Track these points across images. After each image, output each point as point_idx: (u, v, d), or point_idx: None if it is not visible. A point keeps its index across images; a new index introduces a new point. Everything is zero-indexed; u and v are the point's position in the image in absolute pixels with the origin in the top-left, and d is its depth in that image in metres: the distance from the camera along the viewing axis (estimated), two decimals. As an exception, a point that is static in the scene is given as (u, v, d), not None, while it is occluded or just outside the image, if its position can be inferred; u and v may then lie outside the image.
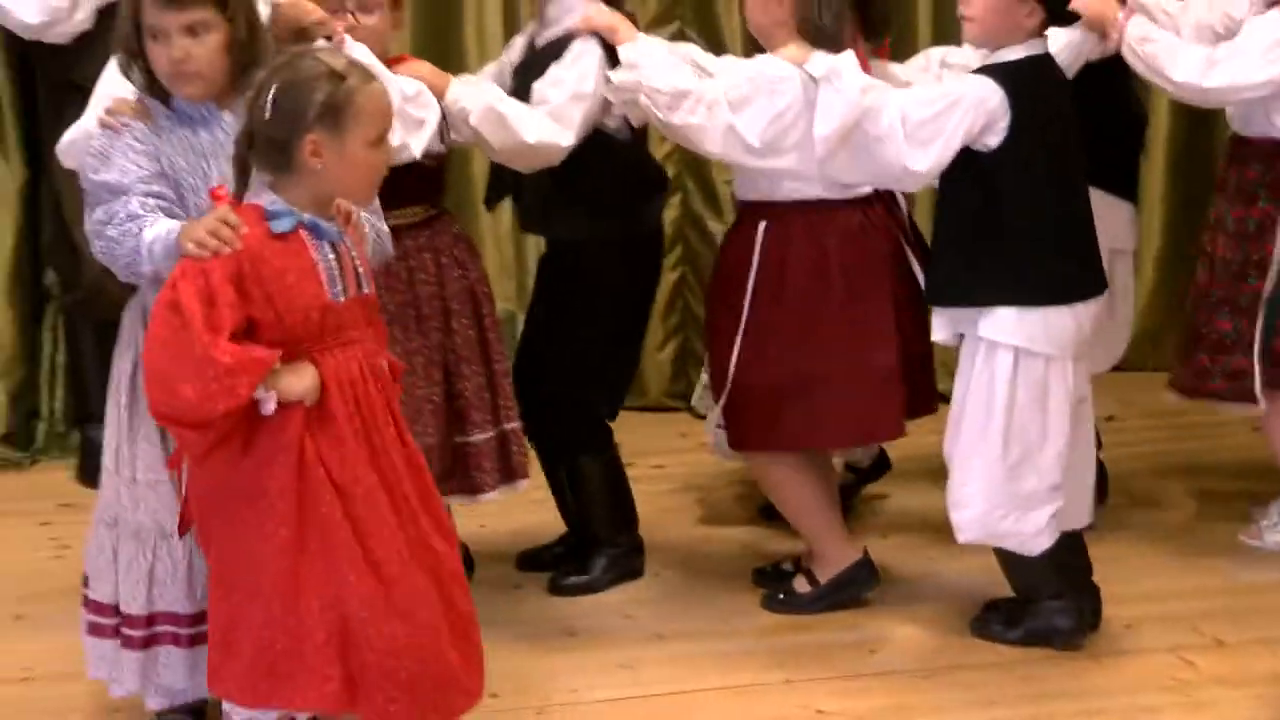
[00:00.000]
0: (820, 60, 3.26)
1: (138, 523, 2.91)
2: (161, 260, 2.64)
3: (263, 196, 2.62)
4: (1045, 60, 3.31)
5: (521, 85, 3.54)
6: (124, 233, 2.70)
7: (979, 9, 3.25)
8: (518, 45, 3.76)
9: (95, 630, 2.98)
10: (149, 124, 2.80)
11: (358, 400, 2.65)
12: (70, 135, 3.01)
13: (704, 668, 3.37)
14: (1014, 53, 3.27)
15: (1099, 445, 4.07)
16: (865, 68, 3.41)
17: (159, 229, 2.67)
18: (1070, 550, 3.41)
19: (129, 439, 2.92)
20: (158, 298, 2.56)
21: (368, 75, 2.65)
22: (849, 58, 3.27)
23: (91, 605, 2.98)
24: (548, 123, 3.40)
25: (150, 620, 2.90)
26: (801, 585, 3.64)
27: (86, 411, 4.47)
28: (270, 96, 2.58)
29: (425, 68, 3.47)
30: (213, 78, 2.78)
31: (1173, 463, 4.32)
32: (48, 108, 4.36)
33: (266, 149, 2.60)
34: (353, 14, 3.33)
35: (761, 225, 3.51)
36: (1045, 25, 3.28)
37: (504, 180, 3.72)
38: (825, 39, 3.33)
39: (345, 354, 2.65)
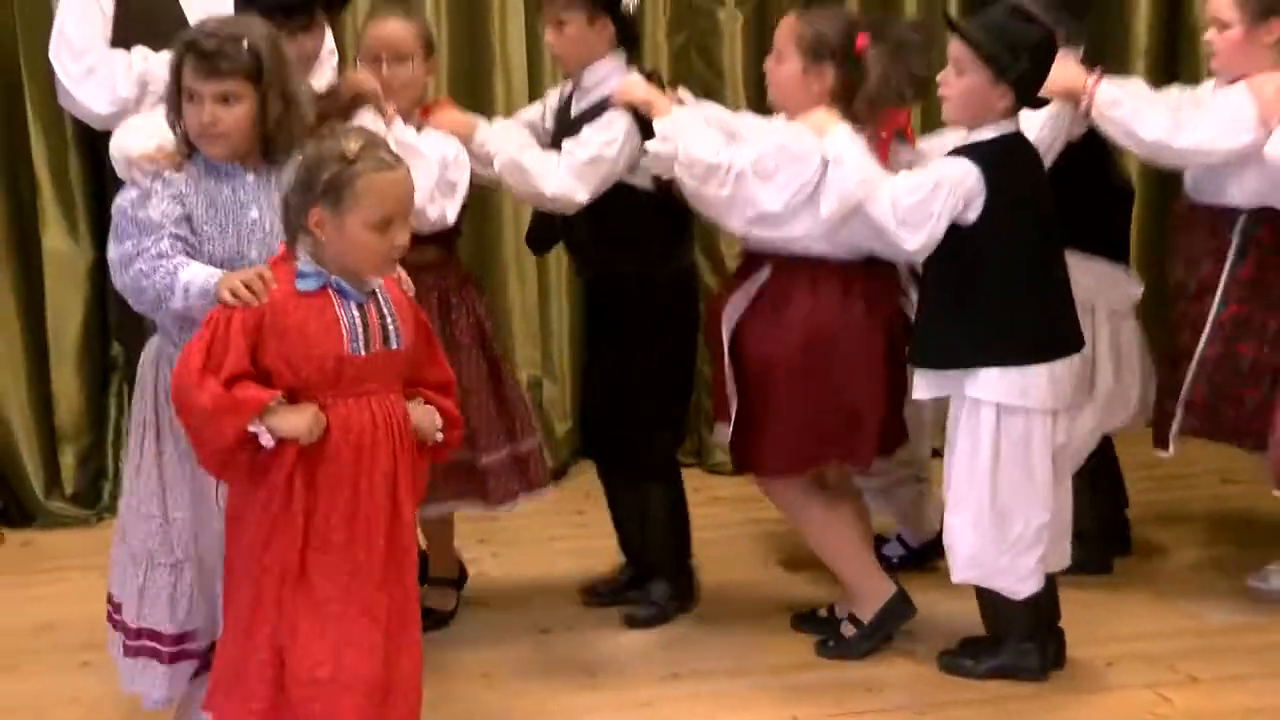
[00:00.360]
0: (839, 136, 3.29)
1: (135, 546, 2.97)
2: (195, 300, 2.69)
3: (300, 257, 2.67)
4: (1016, 138, 3.35)
5: (556, 141, 3.57)
6: (154, 268, 2.75)
7: (955, 91, 3.30)
8: (559, 92, 3.78)
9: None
10: (183, 173, 2.85)
11: (361, 447, 2.66)
12: (114, 150, 3.10)
13: (719, 705, 3.37)
14: (987, 133, 3.30)
15: (1126, 504, 4.12)
16: (884, 151, 3.44)
17: (196, 272, 2.72)
18: (1045, 593, 3.43)
19: (134, 460, 2.98)
20: (189, 341, 2.64)
21: (382, 163, 2.65)
22: (861, 145, 3.30)
23: (116, 622, 3.06)
24: (567, 178, 3.44)
25: (138, 633, 2.98)
26: (848, 629, 3.62)
27: None
28: (294, 167, 2.66)
29: (453, 114, 3.52)
30: (238, 142, 2.84)
31: (1150, 513, 4.31)
32: (113, 191, 4.35)
33: (288, 214, 2.67)
34: (387, 65, 3.41)
35: (766, 269, 3.50)
36: (1016, 108, 3.32)
37: (553, 228, 3.75)
38: (855, 113, 3.36)
39: (359, 403, 2.67)
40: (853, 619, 3.62)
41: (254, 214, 2.85)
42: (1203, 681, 3.45)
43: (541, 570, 4.08)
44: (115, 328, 4.47)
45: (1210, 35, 3.71)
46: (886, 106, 3.42)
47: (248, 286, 2.61)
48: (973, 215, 3.26)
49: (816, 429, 3.46)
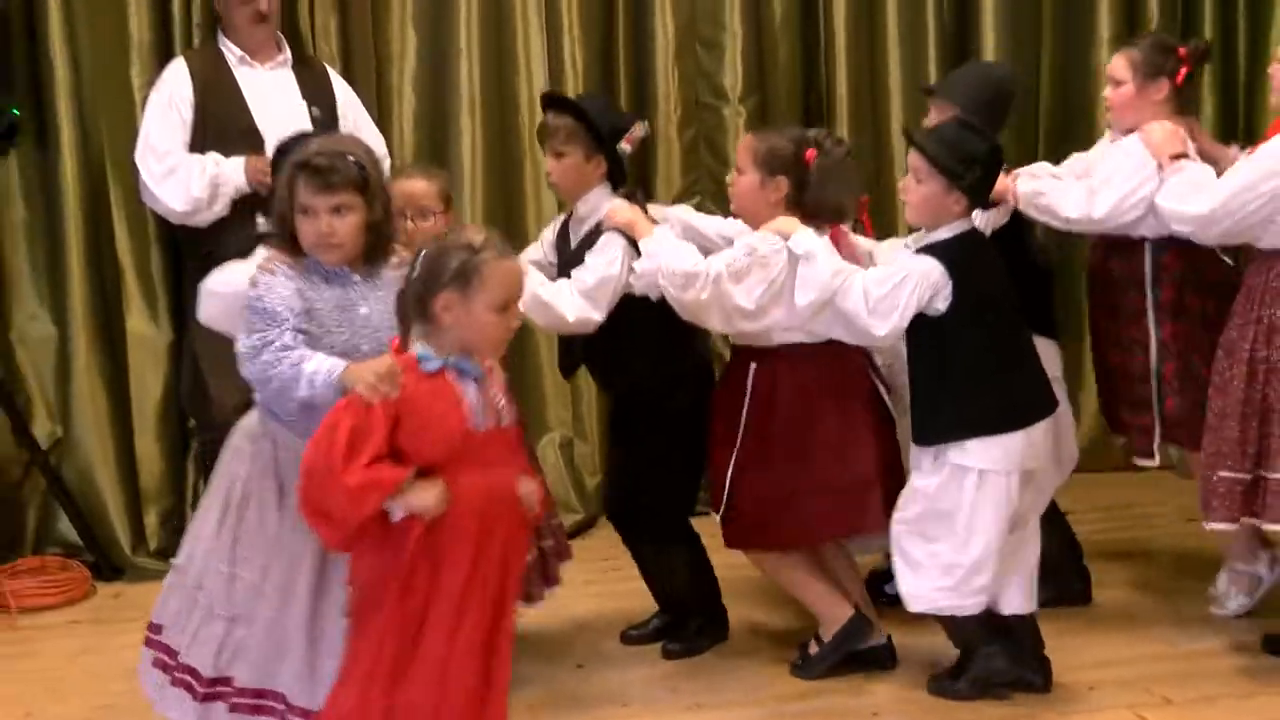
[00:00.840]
0: (803, 237, 3.34)
1: (199, 593, 2.95)
2: (320, 390, 2.72)
3: (415, 345, 2.69)
4: (972, 234, 3.42)
5: (563, 268, 3.63)
6: (279, 359, 2.76)
7: (916, 198, 3.37)
8: (555, 226, 3.85)
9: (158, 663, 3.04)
10: (300, 274, 2.86)
11: (482, 517, 2.67)
12: (218, 288, 3.08)
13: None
14: (946, 232, 3.37)
15: (1081, 554, 4.12)
16: (839, 239, 3.49)
17: (320, 363, 2.75)
18: (1024, 631, 3.48)
19: (226, 528, 2.94)
20: (324, 420, 2.63)
21: (503, 252, 2.69)
22: (825, 243, 3.36)
23: (156, 645, 3.05)
24: (582, 302, 3.48)
25: (179, 665, 2.97)
26: (814, 648, 3.65)
27: None
28: (420, 260, 2.68)
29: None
30: (350, 248, 2.87)
31: (1120, 549, 4.32)
32: (189, 279, 4.31)
33: (412, 304, 2.68)
34: (411, 220, 3.46)
35: (752, 366, 3.54)
36: (970, 208, 3.38)
37: (574, 352, 3.81)
38: (809, 215, 3.43)
39: (480, 476, 2.68)
40: (818, 639, 3.65)
41: (364, 310, 2.87)
42: (1176, 702, 3.45)
43: (577, 611, 4.09)
44: (187, 399, 4.50)
45: (1108, 92, 3.84)
46: (831, 212, 3.48)
47: (383, 382, 2.61)
48: (942, 305, 3.32)
49: (818, 506, 3.48)
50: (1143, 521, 4.54)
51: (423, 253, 2.69)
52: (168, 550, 4.54)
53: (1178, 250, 3.74)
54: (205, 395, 4.27)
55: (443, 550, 2.65)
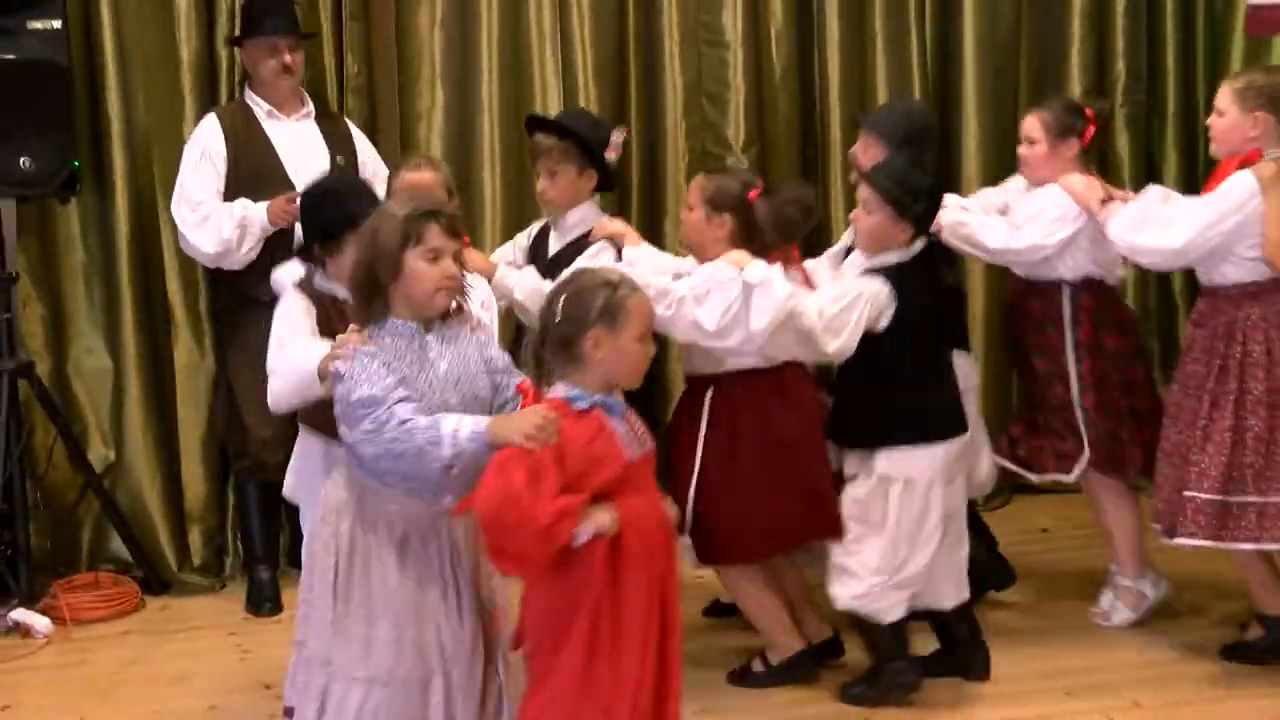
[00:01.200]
0: (756, 268, 3.39)
1: (330, 662, 2.72)
2: (466, 445, 2.56)
3: (558, 389, 2.64)
4: (915, 261, 3.48)
5: (549, 271, 3.58)
6: (408, 433, 2.57)
7: (865, 226, 3.47)
8: (531, 232, 3.84)
9: None
10: (376, 348, 2.67)
11: (648, 534, 2.64)
12: (282, 369, 2.95)
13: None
14: (893, 257, 3.44)
15: (996, 542, 4.18)
16: (792, 261, 3.56)
17: (458, 421, 2.58)
18: (963, 621, 3.57)
19: (345, 594, 2.72)
20: (491, 473, 2.51)
21: (635, 285, 2.68)
22: (777, 269, 3.40)
23: None
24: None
25: None
26: (758, 665, 3.66)
27: (253, 556, 4.42)
28: (560, 304, 2.63)
29: (476, 256, 3.57)
30: (456, 291, 2.74)
31: (1096, 565, 4.33)
32: (225, 316, 4.42)
33: (558, 346, 2.63)
34: None
35: (709, 392, 3.55)
36: (915, 237, 3.45)
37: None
38: (757, 247, 3.48)
39: (637, 500, 2.65)
40: (764, 659, 3.65)
41: (444, 367, 2.70)
42: (1144, 705, 3.48)
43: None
44: (223, 429, 4.50)
45: (1022, 149, 3.91)
46: (773, 246, 3.52)
47: (541, 430, 2.51)
48: (884, 323, 3.39)
49: (785, 515, 3.49)
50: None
51: (561, 297, 2.64)
52: (210, 567, 4.65)
53: (1092, 293, 3.84)
54: (241, 426, 4.32)
55: (623, 572, 2.60)
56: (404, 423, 2.58)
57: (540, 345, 2.66)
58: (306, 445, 3.26)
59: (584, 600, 2.59)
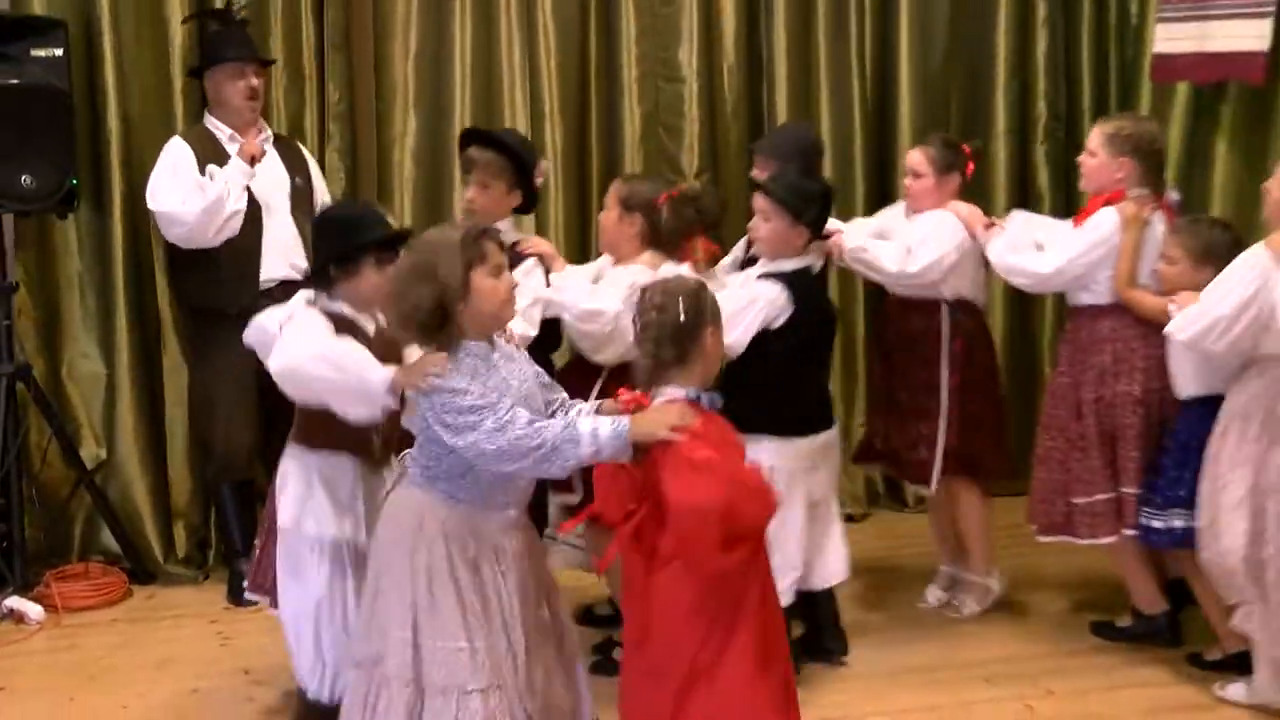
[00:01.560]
0: (667, 269, 3.45)
1: (440, 683, 2.60)
2: (606, 443, 2.50)
3: (670, 390, 2.60)
4: (809, 268, 3.57)
5: None
6: (537, 429, 2.51)
7: (764, 233, 3.52)
8: None
9: None
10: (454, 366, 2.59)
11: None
12: (341, 373, 2.77)
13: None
14: (790, 264, 3.51)
15: None
16: (703, 255, 3.61)
17: (595, 422, 2.53)
18: (826, 603, 3.64)
19: (430, 608, 2.60)
20: (686, 471, 2.45)
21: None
22: (684, 269, 3.45)
23: None
24: (521, 323, 3.40)
25: None
26: (619, 655, 3.50)
27: (233, 550, 4.36)
28: (680, 308, 2.58)
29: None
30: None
31: (1015, 569, 4.29)
32: (193, 330, 4.41)
33: (679, 345, 2.58)
34: None
35: (604, 371, 3.55)
36: (810, 242, 3.52)
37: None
38: (666, 247, 3.53)
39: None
40: (613, 645, 3.60)
41: (515, 383, 2.64)
42: (1057, 693, 3.54)
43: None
44: (199, 434, 4.45)
45: (908, 181, 3.98)
46: (682, 238, 3.59)
47: (682, 420, 2.50)
48: (777, 325, 3.44)
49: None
50: (1046, 547, 4.22)
51: (676, 301, 2.59)
52: (194, 559, 4.62)
53: (966, 311, 3.94)
54: (209, 435, 4.32)
55: (763, 558, 2.60)
56: (529, 422, 2.51)
57: (655, 350, 2.59)
58: (304, 469, 3.04)
59: (751, 587, 2.51)
